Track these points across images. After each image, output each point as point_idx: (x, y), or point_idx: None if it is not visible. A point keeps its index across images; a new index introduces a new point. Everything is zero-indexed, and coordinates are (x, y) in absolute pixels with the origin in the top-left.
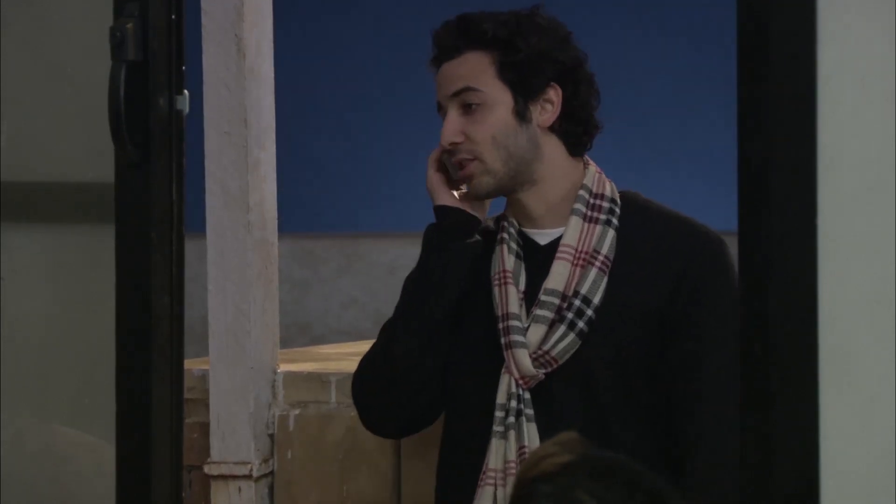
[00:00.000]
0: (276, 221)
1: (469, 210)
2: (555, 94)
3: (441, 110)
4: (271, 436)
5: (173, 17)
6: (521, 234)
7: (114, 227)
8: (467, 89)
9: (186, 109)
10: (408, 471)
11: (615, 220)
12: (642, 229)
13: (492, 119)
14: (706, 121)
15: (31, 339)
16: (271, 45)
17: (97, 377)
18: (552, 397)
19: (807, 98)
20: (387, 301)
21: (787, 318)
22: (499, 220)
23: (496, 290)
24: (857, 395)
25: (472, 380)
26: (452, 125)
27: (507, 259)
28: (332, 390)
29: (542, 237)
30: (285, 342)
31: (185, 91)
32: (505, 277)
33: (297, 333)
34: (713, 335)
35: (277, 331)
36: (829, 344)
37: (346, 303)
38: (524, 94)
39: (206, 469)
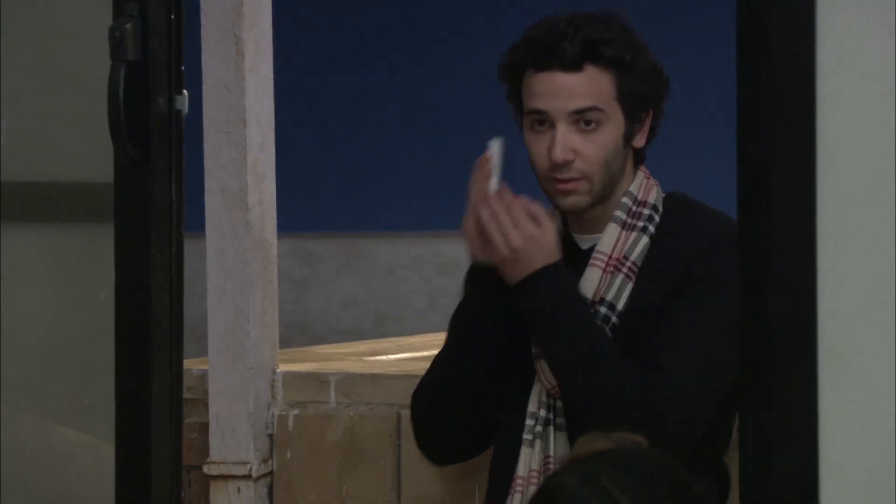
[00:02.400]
0: (275, 221)
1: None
2: (647, 118)
3: (532, 114)
4: (270, 436)
5: (172, 16)
6: (568, 237)
7: (113, 227)
8: (594, 109)
9: (186, 109)
10: (407, 471)
11: (652, 228)
12: (675, 233)
13: (606, 140)
14: (705, 119)
15: (31, 339)
16: (270, 44)
17: (97, 376)
18: None
19: (806, 97)
20: (386, 300)
21: (787, 318)
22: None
23: None
24: (856, 395)
25: (510, 389)
26: (566, 143)
27: None
28: (332, 390)
29: (585, 242)
30: (285, 342)
31: (185, 91)
32: None
33: (296, 333)
34: (692, 317)
35: (277, 330)
36: (829, 343)
37: (346, 302)
38: (633, 117)
39: (206, 469)
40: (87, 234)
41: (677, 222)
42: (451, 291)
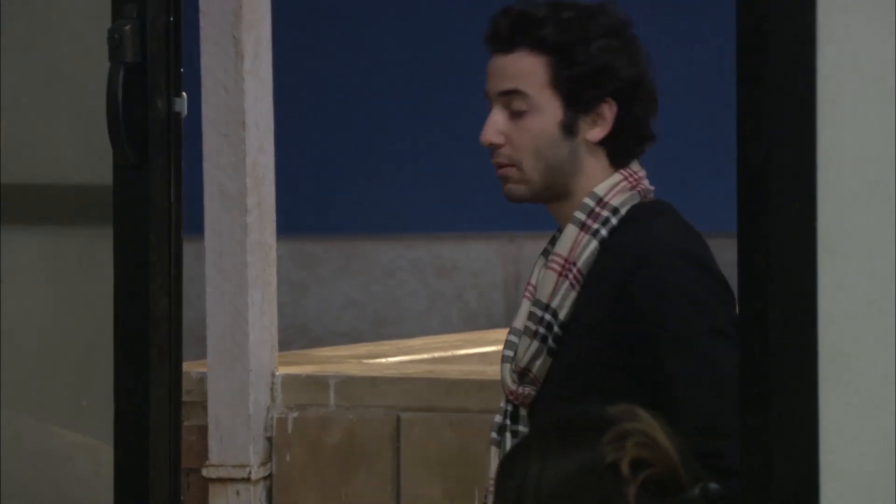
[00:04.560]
0: (274, 223)
1: None
2: (608, 110)
3: (487, 100)
4: (270, 438)
5: (171, 18)
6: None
7: (112, 229)
8: (516, 92)
9: (184, 111)
10: (406, 473)
11: (604, 232)
12: (618, 246)
13: (537, 128)
14: (705, 120)
15: (30, 341)
16: (269, 46)
17: (95, 379)
18: (546, 413)
19: (806, 98)
20: (385, 303)
21: (787, 319)
22: None
23: None
24: (856, 396)
25: None
26: (494, 125)
27: (535, 271)
28: (331, 393)
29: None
30: (283, 344)
31: (184, 93)
32: (526, 290)
33: (294, 335)
34: (671, 339)
35: (276, 333)
36: (829, 345)
37: (345, 304)
38: (576, 107)
39: (205, 472)
40: (86, 237)
41: (626, 233)
42: (450, 294)
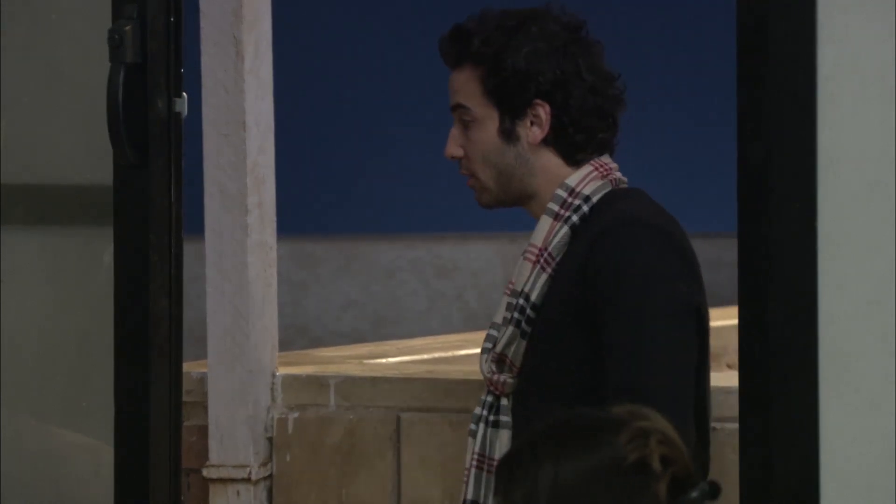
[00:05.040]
0: (274, 223)
1: None
2: (542, 111)
3: None
4: (270, 439)
5: (171, 19)
6: None
7: (112, 230)
8: (460, 106)
9: (185, 111)
10: (407, 474)
11: (576, 218)
12: (588, 228)
13: (481, 137)
14: (706, 121)
15: (30, 341)
16: (270, 46)
17: (96, 379)
18: (526, 403)
19: (806, 99)
20: (385, 303)
21: (787, 320)
22: None
23: None
24: (856, 396)
25: None
26: (452, 139)
27: (516, 267)
28: (332, 393)
29: None
30: (283, 344)
31: (184, 93)
32: (506, 288)
33: (294, 335)
34: (620, 321)
35: (276, 333)
36: (829, 345)
37: (345, 304)
38: (509, 112)
39: (205, 472)
40: (86, 237)
41: (595, 216)
42: (450, 294)
